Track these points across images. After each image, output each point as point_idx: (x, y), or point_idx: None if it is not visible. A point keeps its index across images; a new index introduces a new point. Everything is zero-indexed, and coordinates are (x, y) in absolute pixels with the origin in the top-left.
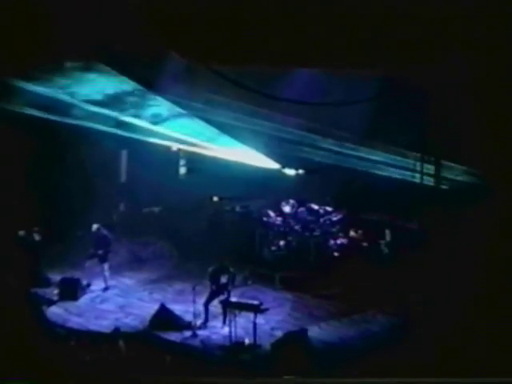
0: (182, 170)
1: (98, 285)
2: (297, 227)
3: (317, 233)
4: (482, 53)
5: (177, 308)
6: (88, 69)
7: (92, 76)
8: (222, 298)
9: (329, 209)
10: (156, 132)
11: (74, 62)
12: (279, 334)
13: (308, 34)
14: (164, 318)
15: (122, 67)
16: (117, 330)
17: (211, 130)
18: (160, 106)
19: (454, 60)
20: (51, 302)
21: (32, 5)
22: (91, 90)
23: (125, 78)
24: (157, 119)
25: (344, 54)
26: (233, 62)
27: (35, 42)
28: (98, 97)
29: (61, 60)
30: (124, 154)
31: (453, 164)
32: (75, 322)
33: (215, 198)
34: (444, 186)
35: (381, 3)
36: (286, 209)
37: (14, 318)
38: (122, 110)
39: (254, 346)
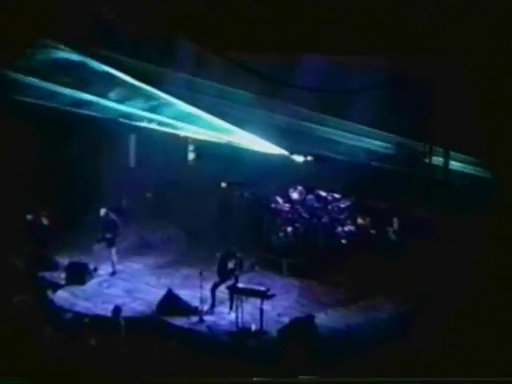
0: (191, 156)
1: (105, 269)
2: (305, 214)
3: (325, 220)
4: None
5: (184, 293)
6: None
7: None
8: (229, 283)
9: (337, 196)
10: (165, 122)
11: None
12: (286, 320)
13: (315, 21)
14: (171, 303)
15: (132, 52)
16: (118, 309)
17: (221, 117)
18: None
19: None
20: (58, 286)
21: None
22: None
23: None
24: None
25: (350, 42)
26: (242, 48)
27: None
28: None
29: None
30: (133, 138)
31: (461, 154)
32: (82, 306)
33: (223, 184)
34: (452, 175)
35: None
36: (294, 195)
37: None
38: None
39: (261, 332)
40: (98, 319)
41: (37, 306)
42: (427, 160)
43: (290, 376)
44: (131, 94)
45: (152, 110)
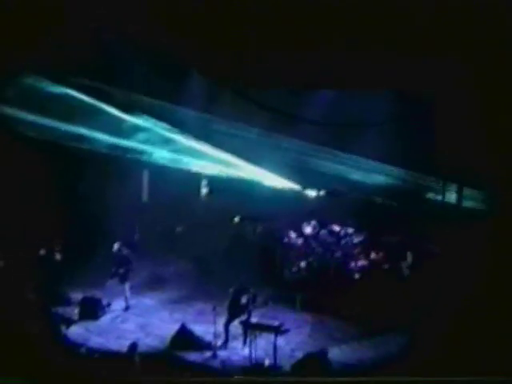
0: (204, 190)
1: (118, 304)
2: (318, 249)
3: (338, 254)
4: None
5: (197, 328)
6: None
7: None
8: (242, 318)
9: (350, 230)
10: (178, 152)
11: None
12: (299, 355)
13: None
14: (184, 338)
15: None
16: (134, 345)
17: (233, 151)
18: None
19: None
20: (72, 321)
21: None
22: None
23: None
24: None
25: (359, 76)
26: (253, 83)
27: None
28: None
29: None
30: (146, 173)
31: (473, 189)
32: (96, 341)
33: (236, 219)
34: (465, 209)
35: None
36: (308, 230)
37: (32, 337)
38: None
39: (275, 367)
40: (112, 354)
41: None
42: (440, 195)
43: None
44: (143, 130)
45: (164, 146)
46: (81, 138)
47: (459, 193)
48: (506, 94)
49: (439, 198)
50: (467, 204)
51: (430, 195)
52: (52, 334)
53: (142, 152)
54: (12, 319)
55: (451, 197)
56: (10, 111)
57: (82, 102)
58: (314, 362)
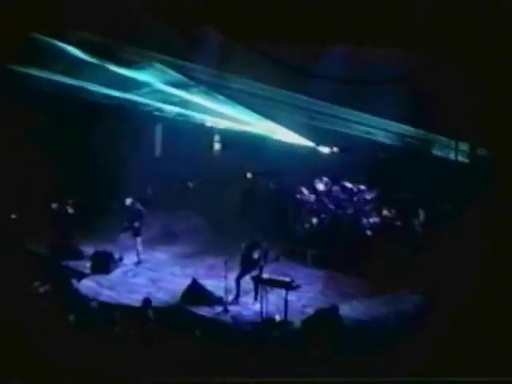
0: (217, 146)
1: (130, 259)
2: (330, 205)
3: (350, 211)
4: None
5: (208, 283)
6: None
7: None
8: (254, 273)
9: (362, 187)
10: (191, 106)
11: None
12: (310, 311)
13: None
14: (195, 292)
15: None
16: (147, 301)
17: (246, 106)
18: (193, 80)
19: None
20: (83, 275)
21: None
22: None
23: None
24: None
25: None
26: (267, 38)
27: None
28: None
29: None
30: (159, 128)
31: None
32: (107, 295)
33: (249, 175)
34: (478, 166)
35: None
36: (320, 186)
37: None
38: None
39: (285, 322)
40: (126, 309)
41: (60, 294)
42: (453, 152)
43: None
44: (157, 85)
45: (177, 101)
46: (93, 93)
47: (472, 152)
48: None
49: (451, 156)
50: (479, 163)
51: (442, 153)
52: (64, 288)
53: (155, 107)
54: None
55: (464, 155)
56: (24, 69)
57: (93, 58)
58: (324, 318)
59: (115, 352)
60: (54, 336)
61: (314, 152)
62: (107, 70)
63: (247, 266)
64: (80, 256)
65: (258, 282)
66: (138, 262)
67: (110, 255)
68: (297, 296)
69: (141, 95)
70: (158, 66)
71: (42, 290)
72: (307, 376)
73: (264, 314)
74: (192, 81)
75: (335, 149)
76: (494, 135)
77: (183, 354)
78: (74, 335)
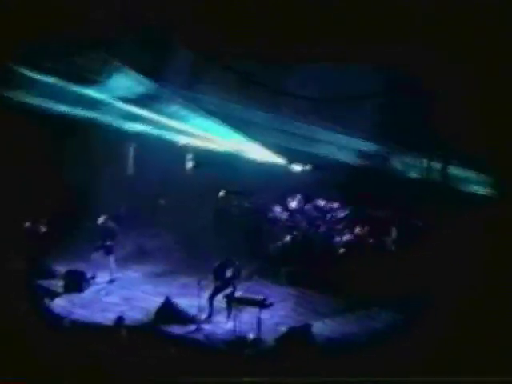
0: (189, 164)
1: (103, 277)
2: (303, 223)
3: (322, 229)
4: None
5: (182, 302)
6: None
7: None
8: (226, 292)
9: (335, 205)
10: (164, 125)
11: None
12: (283, 329)
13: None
14: (169, 311)
15: (131, 59)
16: (120, 319)
17: (219, 125)
18: (166, 99)
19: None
20: (56, 294)
21: None
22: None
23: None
24: (165, 113)
25: (347, 48)
26: (241, 56)
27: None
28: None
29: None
30: (131, 146)
31: (460, 164)
32: (80, 314)
33: (221, 193)
34: (450, 184)
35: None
36: (293, 204)
37: (16, 310)
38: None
39: (258, 340)
40: (98, 327)
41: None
42: (426, 169)
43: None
44: (128, 101)
45: (149, 119)
46: (67, 102)
47: (444, 169)
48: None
49: (424, 174)
50: (452, 180)
51: (415, 171)
52: (36, 307)
53: (127, 124)
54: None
55: (436, 174)
56: None
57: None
58: (297, 336)
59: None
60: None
61: (286, 170)
62: (73, 89)
63: (220, 284)
64: (53, 275)
65: (231, 300)
66: (111, 281)
67: (82, 274)
68: (270, 314)
69: (112, 113)
70: (130, 82)
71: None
72: None
73: (237, 333)
74: (165, 99)
75: (308, 167)
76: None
77: (157, 372)
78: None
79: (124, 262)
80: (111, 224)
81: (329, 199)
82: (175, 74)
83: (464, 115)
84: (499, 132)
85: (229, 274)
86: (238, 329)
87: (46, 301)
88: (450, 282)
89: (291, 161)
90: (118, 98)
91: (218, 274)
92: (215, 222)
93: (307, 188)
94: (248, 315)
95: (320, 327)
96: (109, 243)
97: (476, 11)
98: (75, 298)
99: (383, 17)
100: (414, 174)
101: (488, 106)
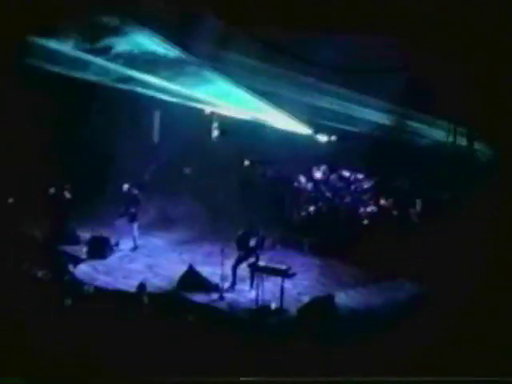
0: (215, 133)
1: (126, 244)
2: (327, 194)
3: (347, 200)
4: None
5: (205, 270)
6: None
7: (128, 35)
8: (250, 261)
9: (360, 176)
10: (190, 96)
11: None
12: (306, 299)
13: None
14: (192, 279)
15: (157, 26)
16: (142, 286)
17: (245, 95)
18: (193, 69)
19: None
20: (80, 260)
21: None
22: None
23: (159, 40)
24: (190, 82)
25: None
26: (266, 25)
27: None
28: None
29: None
30: (157, 114)
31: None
32: (103, 280)
33: (247, 162)
34: (477, 157)
35: None
36: (317, 175)
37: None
38: (156, 73)
39: (281, 310)
40: (120, 294)
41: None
42: (452, 140)
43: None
44: (157, 66)
45: (177, 81)
46: (93, 71)
47: (470, 138)
48: None
49: (450, 143)
50: (479, 150)
51: (441, 142)
52: (60, 273)
53: (153, 92)
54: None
55: (462, 142)
56: None
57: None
58: (320, 306)
59: (112, 343)
60: (52, 324)
61: (311, 140)
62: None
63: (244, 253)
64: (77, 241)
65: (255, 269)
66: (135, 248)
67: (106, 240)
68: (293, 284)
69: (138, 82)
70: (154, 50)
71: (40, 274)
72: (299, 368)
73: (260, 302)
74: (191, 67)
75: (333, 137)
76: (494, 125)
77: (177, 341)
78: (72, 322)
79: (148, 229)
80: (135, 191)
81: (354, 170)
82: (201, 42)
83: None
84: None
85: (252, 242)
86: (260, 298)
87: (70, 267)
88: (476, 256)
89: (317, 131)
90: (142, 66)
91: (242, 243)
92: (239, 191)
93: (332, 158)
94: (271, 284)
95: (343, 298)
96: (133, 210)
97: None
98: (99, 264)
99: None
100: (441, 148)
101: None
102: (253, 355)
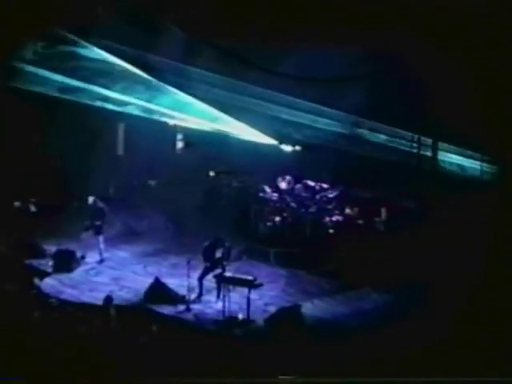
0: (179, 144)
1: (92, 257)
2: (293, 203)
3: (312, 209)
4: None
5: (171, 282)
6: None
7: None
8: (216, 272)
9: (325, 186)
10: (155, 110)
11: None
12: (272, 309)
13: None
14: (158, 291)
15: (121, 39)
16: (109, 299)
17: (209, 105)
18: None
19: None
20: (46, 274)
21: None
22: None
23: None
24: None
25: (342, 29)
26: (231, 37)
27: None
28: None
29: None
30: (121, 126)
31: (449, 144)
32: (69, 293)
33: (212, 173)
34: (441, 165)
35: None
36: (283, 185)
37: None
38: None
39: (248, 321)
40: (87, 307)
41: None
42: (416, 150)
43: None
44: (122, 80)
45: (142, 97)
46: (59, 88)
47: (434, 148)
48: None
49: (415, 153)
50: (443, 159)
51: (407, 153)
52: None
53: (117, 104)
54: None
55: (427, 152)
56: None
57: (62, 51)
58: (287, 316)
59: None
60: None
61: (276, 150)
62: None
63: (210, 264)
64: (42, 254)
65: (221, 280)
66: (101, 261)
67: (72, 253)
68: (259, 294)
69: (101, 94)
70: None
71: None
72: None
73: (226, 313)
74: (156, 79)
75: (297, 147)
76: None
77: (145, 352)
78: (39, 334)
79: (113, 242)
80: (100, 204)
81: (319, 180)
82: (167, 54)
83: (455, 97)
84: (492, 115)
85: (218, 254)
86: (227, 309)
87: (36, 280)
88: (439, 263)
89: (281, 141)
90: (105, 79)
91: (208, 254)
92: (205, 202)
93: (297, 168)
94: (238, 295)
95: (309, 308)
96: (98, 223)
97: None
98: (65, 277)
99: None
100: (405, 156)
101: (477, 90)
102: (220, 367)
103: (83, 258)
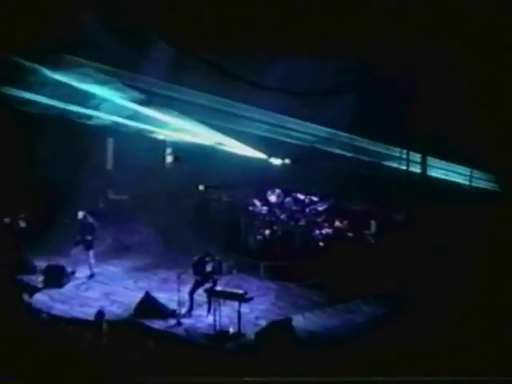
0: (169, 159)
1: (83, 272)
2: (282, 217)
3: (302, 222)
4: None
5: (162, 296)
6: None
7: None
8: (207, 286)
9: (314, 199)
10: (142, 119)
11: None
12: (263, 323)
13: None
14: (149, 306)
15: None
16: (100, 314)
17: (198, 119)
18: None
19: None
20: (36, 289)
21: None
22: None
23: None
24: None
25: (331, 42)
26: (219, 50)
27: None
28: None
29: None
30: (110, 141)
31: (437, 159)
32: (60, 309)
33: (201, 187)
34: (431, 177)
35: None
36: (272, 198)
37: None
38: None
39: (239, 334)
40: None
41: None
42: (405, 163)
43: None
44: (108, 99)
45: (129, 114)
46: (46, 106)
47: (423, 161)
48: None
49: (404, 167)
50: (431, 172)
51: (395, 165)
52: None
53: (107, 120)
54: None
55: (415, 165)
56: None
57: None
58: (277, 329)
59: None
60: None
61: (266, 164)
62: (58, 81)
63: (200, 278)
64: (33, 270)
65: (212, 294)
66: (91, 276)
67: (62, 269)
68: (250, 308)
69: (93, 108)
70: (111, 79)
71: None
72: None
73: (217, 327)
74: (144, 94)
75: (287, 160)
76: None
77: (137, 367)
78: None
79: (104, 257)
80: (90, 219)
81: (308, 193)
82: (154, 68)
83: (442, 109)
84: (478, 125)
85: (209, 268)
86: (218, 323)
87: (26, 296)
88: (429, 275)
89: (271, 155)
90: (95, 93)
91: (198, 269)
92: (195, 217)
93: (287, 182)
94: (228, 309)
95: (300, 321)
96: (88, 238)
97: None
98: (55, 293)
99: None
100: (394, 169)
101: (466, 100)
102: (211, 379)
103: (73, 273)
